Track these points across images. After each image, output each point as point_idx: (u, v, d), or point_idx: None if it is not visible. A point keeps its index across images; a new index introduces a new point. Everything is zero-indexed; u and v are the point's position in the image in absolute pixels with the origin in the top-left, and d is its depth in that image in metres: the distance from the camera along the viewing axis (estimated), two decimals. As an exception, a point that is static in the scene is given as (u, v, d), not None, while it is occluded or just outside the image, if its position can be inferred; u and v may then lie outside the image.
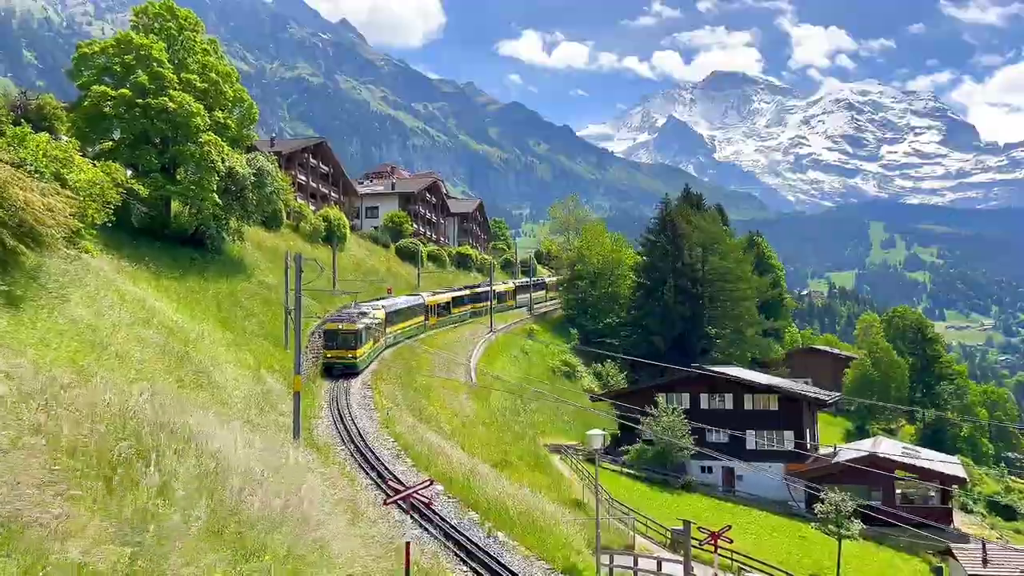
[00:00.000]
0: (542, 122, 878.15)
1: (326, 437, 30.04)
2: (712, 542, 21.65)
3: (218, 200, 44.36)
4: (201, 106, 43.62)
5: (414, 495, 14.52)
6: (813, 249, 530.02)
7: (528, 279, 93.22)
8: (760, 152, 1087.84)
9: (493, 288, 76.84)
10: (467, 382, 52.03)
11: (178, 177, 44.55)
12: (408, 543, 13.63)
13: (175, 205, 46.56)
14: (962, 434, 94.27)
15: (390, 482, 15.32)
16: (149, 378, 18.68)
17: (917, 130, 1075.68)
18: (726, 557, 30.29)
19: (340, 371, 43.26)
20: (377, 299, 57.51)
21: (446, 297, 68.88)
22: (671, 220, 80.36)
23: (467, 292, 74.27)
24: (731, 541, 23.13)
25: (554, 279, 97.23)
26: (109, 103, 41.49)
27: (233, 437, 10.95)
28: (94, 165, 26.35)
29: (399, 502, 14.78)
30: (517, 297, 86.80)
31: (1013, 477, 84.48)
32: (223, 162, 44.41)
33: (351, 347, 43.65)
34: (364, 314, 48.38)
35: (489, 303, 74.98)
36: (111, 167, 27.76)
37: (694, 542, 21.32)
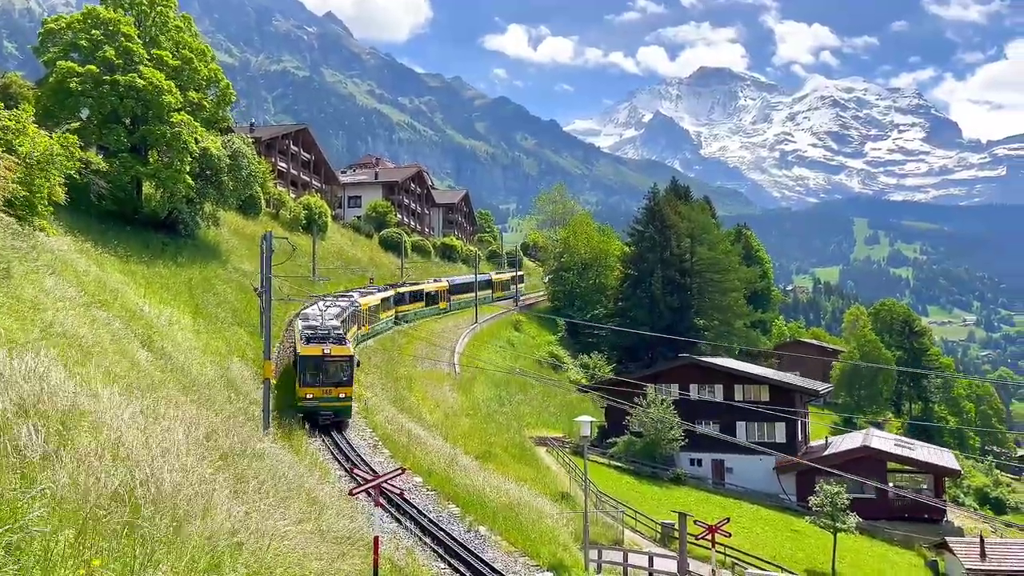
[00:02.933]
0: (529, 117, 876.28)
1: (299, 427, 28.50)
2: (709, 536, 20.33)
3: (191, 183, 42.58)
4: (173, 84, 41.82)
5: (384, 484, 13.12)
6: (798, 245, 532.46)
7: (469, 276, 79.31)
8: (746, 148, 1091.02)
9: (424, 289, 65.29)
10: (450, 372, 50.61)
11: (149, 159, 42.73)
12: (376, 537, 12.21)
13: (147, 188, 44.73)
14: (949, 427, 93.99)
15: (357, 470, 13.91)
16: (100, 361, 17.14)
17: (901, 127, 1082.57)
18: (718, 552, 29.05)
19: (329, 418, 29.34)
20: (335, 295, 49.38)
21: (375, 299, 53.82)
22: (659, 210, 79.22)
23: (397, 292, 59.81)
24: (729, 535, 21.86)
25: (506, 276, 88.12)
26: (75, 79, 39.62)
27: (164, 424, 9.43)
28: (50, 137, 24.65)
29: (368, 492, 13.34)
30: (452, 298, 71.53)
31: (999, 471, 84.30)
32: (196, 143, 42.65)
33: (342, 381, 29.79)
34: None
35: (447, 303, 68.42)
36: (68, 139, 26.08)
37: (689, 537, 19.99)
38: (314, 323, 34.51)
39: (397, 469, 13.74)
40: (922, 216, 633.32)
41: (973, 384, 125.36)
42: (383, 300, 54.96)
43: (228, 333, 36.45)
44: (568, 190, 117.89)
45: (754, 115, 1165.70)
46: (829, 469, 39.07)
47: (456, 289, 72.77)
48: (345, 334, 35.21)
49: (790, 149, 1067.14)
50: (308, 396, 29.47)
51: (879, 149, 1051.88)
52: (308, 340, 30.78)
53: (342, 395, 29.74)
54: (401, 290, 60.66)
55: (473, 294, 72.83)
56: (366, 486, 12.88)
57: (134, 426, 9.35)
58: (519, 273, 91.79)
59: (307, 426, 28.80)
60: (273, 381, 32.29)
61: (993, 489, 67.53)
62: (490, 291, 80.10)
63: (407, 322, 59.80)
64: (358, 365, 30.78)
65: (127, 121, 42.06)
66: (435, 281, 69.94)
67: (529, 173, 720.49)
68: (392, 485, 13.35)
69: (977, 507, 56.17)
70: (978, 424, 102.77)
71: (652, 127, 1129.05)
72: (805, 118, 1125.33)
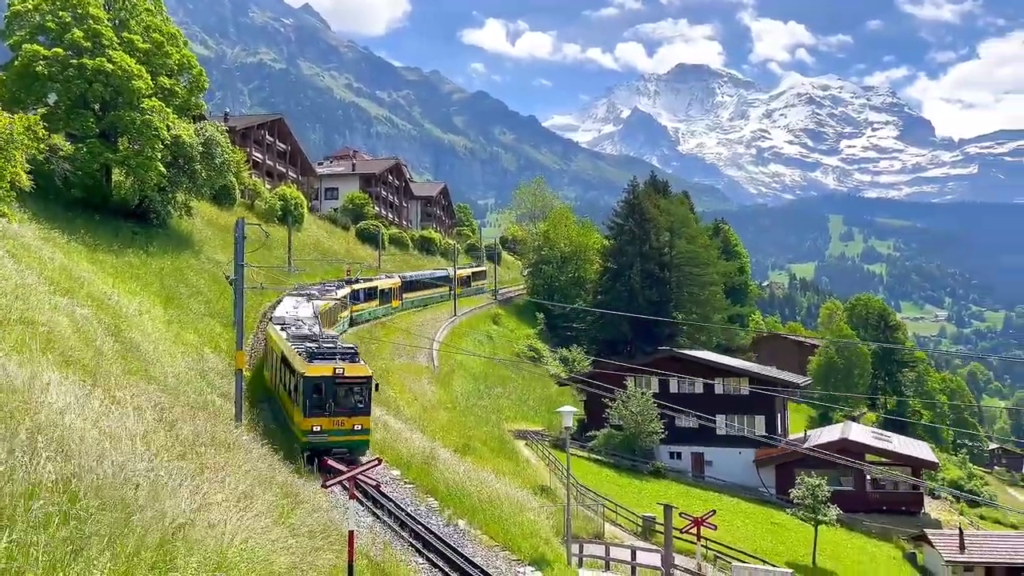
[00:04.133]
0: (508, 112, 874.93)
1: (272, 421, 27.76)
2: (695, 529, 19.94)
3: (163, 171, 41.49)
4: (143, 69, 40.69)
5: (360, 476, 12.52)
6: (774, 241, 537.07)
7: (425, 271, 72.39)
8: (723, 145, 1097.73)
9: (378, 286, 57.58)
10: (428, 366, 49.95)
11: (120, 145, 41.56)
12: (351, 532, 11.62)
13: (116, 175, 43.57)
14: (923, 421, 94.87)
15: (330, 461, 13.31)
16: (61, 348, 16.35)
17: (875, 125, 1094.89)
18: (699, 544, 28.74)
19: (342, 456, 21.73)
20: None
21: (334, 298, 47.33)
22: (639, 203, 78.98)
23: (353, 290, 53.20)
24: (715, 528, 21.49)
25: (466, 271, 79.56)
26: (42, 62, 38.40)
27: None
28: (10, 116, 23.65)
29: (343, 484, 12.73)
30: (405, 296, 62.63)
31: (972, 464, 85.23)
32: (168, 130, 41.57)
33: (358, 409, 23.51)
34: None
35: (399, 301, 61.33)
36: (30, 119, 25.09)
37: (673, 530, 19.56)
38: (304, 330, 29.42)
39: (372, 460, 13.14)
40: (895, 213, 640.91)
41: (946, 378, 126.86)
42: (341, 299, 48.87)
43: (201, 324, 35.57)
44: (547, 185, 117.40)
45: (731, 112, 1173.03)
46: (822, 453, 38.76)
47: (410, 286, 64.68)
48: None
49: (767, 146, 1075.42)
50: (315, 429, 22.64)
51: (854, 147, 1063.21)
52: (311, 356, 23.77)
53: (358, 426, 23.16)
54: (356, 287, 54.01)
55: (429, 292, 67.18)
56: (340, 478, 12.28)
57: (88, 414, 8.68)
58: (481, 268, 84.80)
59: (312, 466, 21.52)
60: (247, 373, 31.56)
61: (967, 481, 68.13)
62: (447, 288, 71.92)
63: (363, 321, 53.61)
64: (376, 388, 24.38)
65: (96, 107, 40.88)
66: (387, 277, 61.74)
67: (508, 168, 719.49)
68: (368, 477, 12.76)
69: (953, 500, 56.54)
70: (951, 418, 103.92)
71: (630, 123, 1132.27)
72: (781, 115, 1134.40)
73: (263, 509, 9.57)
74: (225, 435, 13.05)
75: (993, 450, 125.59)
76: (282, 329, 30.34)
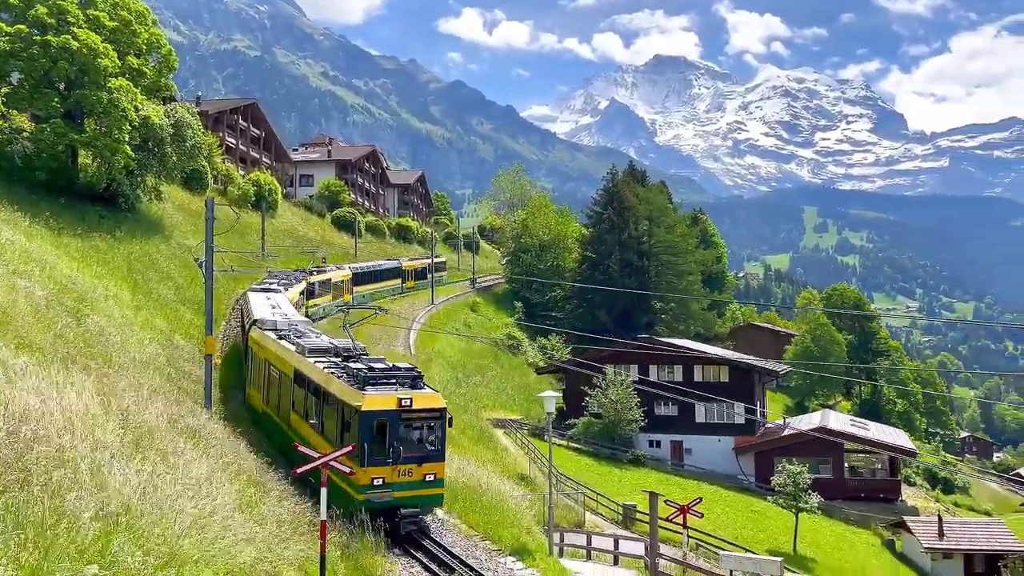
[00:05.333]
0: (485, 101, 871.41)
1: (243, 408, 26.94)
2: (680, 517, 19.49)
3: (131, 153, 40.24)
4: (110, 48, 39.39)
5: (332, 463, 11.85)
6: (749, 232, 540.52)
7: (377, 263, 66.19)
8: (699, 136, 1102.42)
9: (331, 279, 51.84)
10: (405, 354, 49.20)
11: (86, 126, 40.24)
12: (323, 521, 10.96)
13: (83, 158, 42.25)
14: (897, 410, 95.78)
15: (301, 447, 12.60)
16: (15, 330, 15.48)
17: (849, 118, 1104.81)
18: (680, 534, 28.41)
19: (414, 520, 17.37)
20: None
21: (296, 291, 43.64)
22: (618, 192, 78.59)
23: (309, 283, 47.80)
24: (701, 515, 21.07)
25: (421, 262, 72.75)
26: (4, 39, 37.04)
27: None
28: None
29: (316, 471, 12.04)
30: (355, 289, 56.37)
31: (945, 452, 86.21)
32: (136, 111, 40.31)
33: (430, 453, 17.61)
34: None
35: (350, 295, 55.04)
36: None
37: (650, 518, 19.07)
38: (317, 340, 23.05)
39: (348, 447, 12.48)
40: (869, 205, 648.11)
41: (918, 368, 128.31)
42: (300, 293, 44.46)
43: (170, 310, 34.55)
44: (525, 174, 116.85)
45: (708, 104, 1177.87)
46: (830, 434, 38.80)
47: (361, 279, 58.39)
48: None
49: (743, 138, 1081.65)
50: (377, 482, 16.64)
51: (828, 139, 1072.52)
52: (364, 381, 17.45)
53: (430, 476, 17.41)
54: (312, 279, 48.77)
55: (379, 285, 62.03)
56: (311, 465, 11.61)
57: (36, 396, 7.93)
58: (440, 259, 77.86)
59: (378, 535, 15.40)
60: (217, 361, 30.67)
61: (941, 469, 68.75)
62: (399, 281, 66.53)
63: (319, 319, 47.42)
64: (451, 424, 18.50)
65: (61, 86, 39.55)
66: (337, 269, 55.50)
67: (485, 158, 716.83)
68: (341, 463, 12.09)
69: (929, 487, 56.97)
70: (923, 407, 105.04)
71: (608, 114, 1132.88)
72: (757, 107, 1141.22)
73: (228, 498, 8.88)
74: (190, 420, 12.31)
75: (964, 438, 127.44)
76: (280, 338, 24.36)
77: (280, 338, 24.27)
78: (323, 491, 11.47)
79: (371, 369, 17.98)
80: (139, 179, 43.89)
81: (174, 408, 13.32)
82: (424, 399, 17.52)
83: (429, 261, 71.85)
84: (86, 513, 4.87)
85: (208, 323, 23.09)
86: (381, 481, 16.69)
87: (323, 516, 11.21)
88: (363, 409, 16.48)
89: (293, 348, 22.30)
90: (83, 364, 15.10)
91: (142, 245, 40.74)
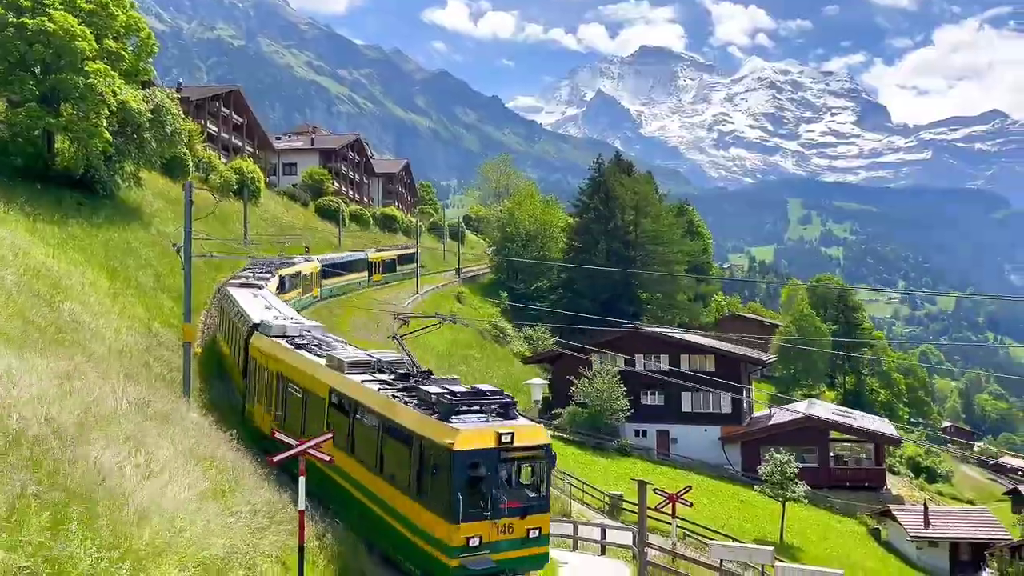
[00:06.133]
0: (470, 92, 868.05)
1: (224, 399, 26.44)
2: (669, 505, 19.22)
3: (109, 139, 39.44)
4: (88, 30, 38.52)
5: (311, 451, 11.43)
6: (734, 224, 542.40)
7: (346, 254, 62.47)
8: (685, 128, 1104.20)
9: (301, 271, 48.82)
10: (389, 343, 48.65)
11: (62, 111, 39.37)
12: (302, 512, 10.55)
13: (59, 143, 41.34)
14: (880, 400, 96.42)
15: (278, 434, 12.17)
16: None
17: (833, 110, 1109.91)
18: (666, 522, 28.22)
19: None
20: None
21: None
22: (605, 181, 78.33)
23: (280, 276, 44.15)
24: (690, 504, 20.82)
25: (390, 253, 68.77)
26: (-24, 21, 36.10)
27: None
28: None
29: (294, 459, 11.61)
30: (324, 283, 53.34)
31: (927, 443, 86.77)
32: (115, 96, 39.47)
33: (532, 503, 13.91)
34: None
35: (319, 289, 52.69)
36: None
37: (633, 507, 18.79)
38: (354, 354, 19.21)
39: (328, 435, 12.05)
40: (852, 197, 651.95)
41: (900, 358, 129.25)
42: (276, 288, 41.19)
43: (149, 298, 33.90)
44: (512, 164, 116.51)
45: (693, 95, 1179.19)
46: (817, 422, 38.72)
47: (330, 271, 54.82)
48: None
49: (728, 130, 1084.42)
50: (474, 541, 13.17)
51: (813, 131, 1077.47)
52: (449, 411, 13.88)
53: (534, 531, 13.89)
54: (283, 272, 45.04)
55: (351, 276, 59.27)
56: (289, 452, 11.19)
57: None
58: (410, 250, 71.57)
59: None
60: (196, 350, 30.10)
61: (925, 459, 69.23)
62: (366, 274, 62.82)
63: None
64: (554, 462, 14.61)
65: (36, 69, 38.65)
66: (306, 261, 51.85)
67: (470, 149, 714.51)
68: (321, 452, 11.68)
69: (913, 476, 57.29)
70: (907, 397, 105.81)
71: (594, 105, 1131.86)
72: (743, 99, 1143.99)
73: (203, 487, 8.45)
74: (163, 406, 11.85)
75: (945, 428, 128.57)
76: (298, 348, 20.77)
77: (298, 348, 20.66)
78: (301, 480, 11.05)
79: (453, 394, 14.16)
80: (117, 165, 43.02)
81: (146, 393, 12.85)
82: (527, 433, 13.88)
83: (397, 253, 68.23)
84: (34, 500, 4.46)
85: (187, 311, 22.57)
86: (478, 540, 13.10)
87: (301, 506, 10.80)
88: (456, 448, 12.89)
89: (323, 362, 18.53)
90: (51, 350, 14.57)
91: (121, 232, 39.98)
